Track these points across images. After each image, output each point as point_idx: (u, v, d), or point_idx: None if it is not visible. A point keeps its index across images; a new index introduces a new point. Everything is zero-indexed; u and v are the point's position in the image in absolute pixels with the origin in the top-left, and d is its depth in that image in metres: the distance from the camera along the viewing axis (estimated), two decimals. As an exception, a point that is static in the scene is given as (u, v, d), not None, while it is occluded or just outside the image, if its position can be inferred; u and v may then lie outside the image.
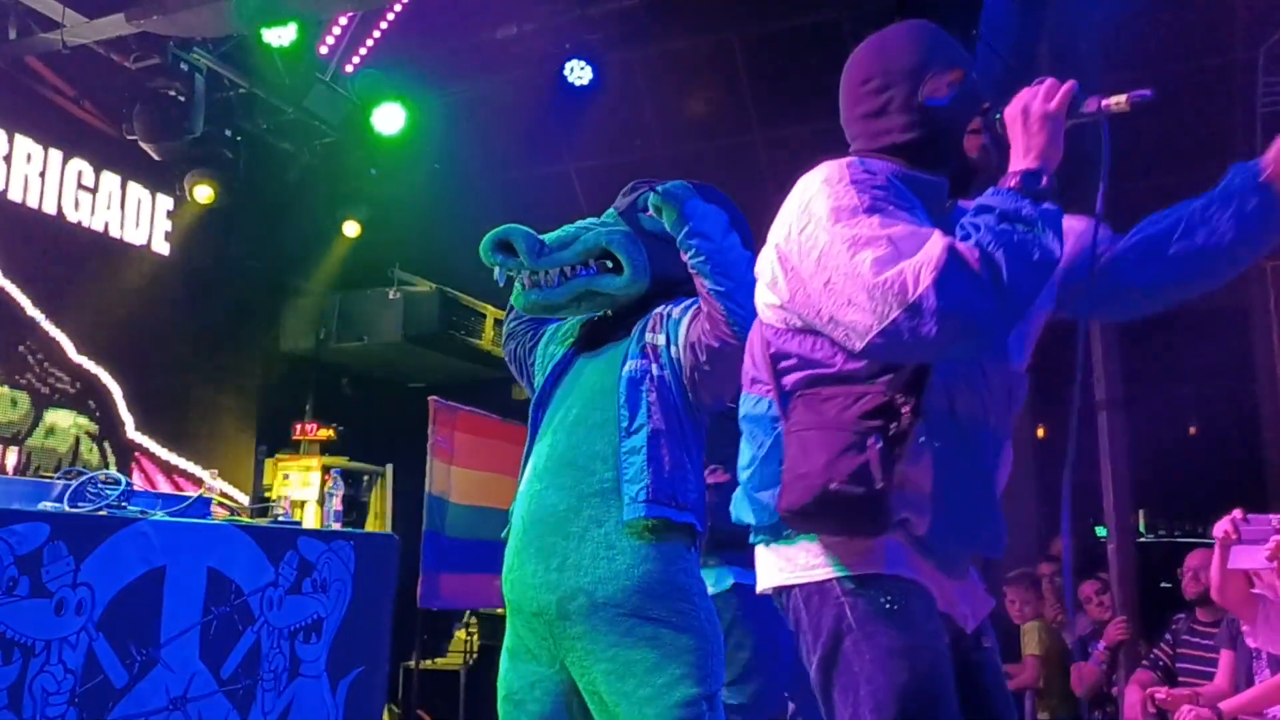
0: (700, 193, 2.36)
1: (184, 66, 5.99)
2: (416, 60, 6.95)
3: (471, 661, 6.52)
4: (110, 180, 6.38)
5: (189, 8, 5.26)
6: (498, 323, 7.30)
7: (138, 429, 6.42)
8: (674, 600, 2.20)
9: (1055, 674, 5.20)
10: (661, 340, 2.36)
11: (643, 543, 2.21)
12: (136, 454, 6.40)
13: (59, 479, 2.92)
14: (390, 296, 7.23)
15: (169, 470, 6.56)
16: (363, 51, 6.83)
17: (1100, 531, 5.73)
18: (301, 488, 6.79)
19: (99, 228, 6.29)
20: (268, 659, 3.10)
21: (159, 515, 2.93)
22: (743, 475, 1.82)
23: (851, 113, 1.86)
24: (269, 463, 7.04)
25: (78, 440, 6.09)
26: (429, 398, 5.90)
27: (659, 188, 2.35)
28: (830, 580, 1.69)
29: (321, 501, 6.54)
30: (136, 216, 6.53)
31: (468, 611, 6.72)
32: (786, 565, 1.74)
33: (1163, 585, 5.96)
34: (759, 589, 1.83)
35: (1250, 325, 6.50)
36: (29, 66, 5.96)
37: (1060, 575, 5.35)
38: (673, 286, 2.42)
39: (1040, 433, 6.86)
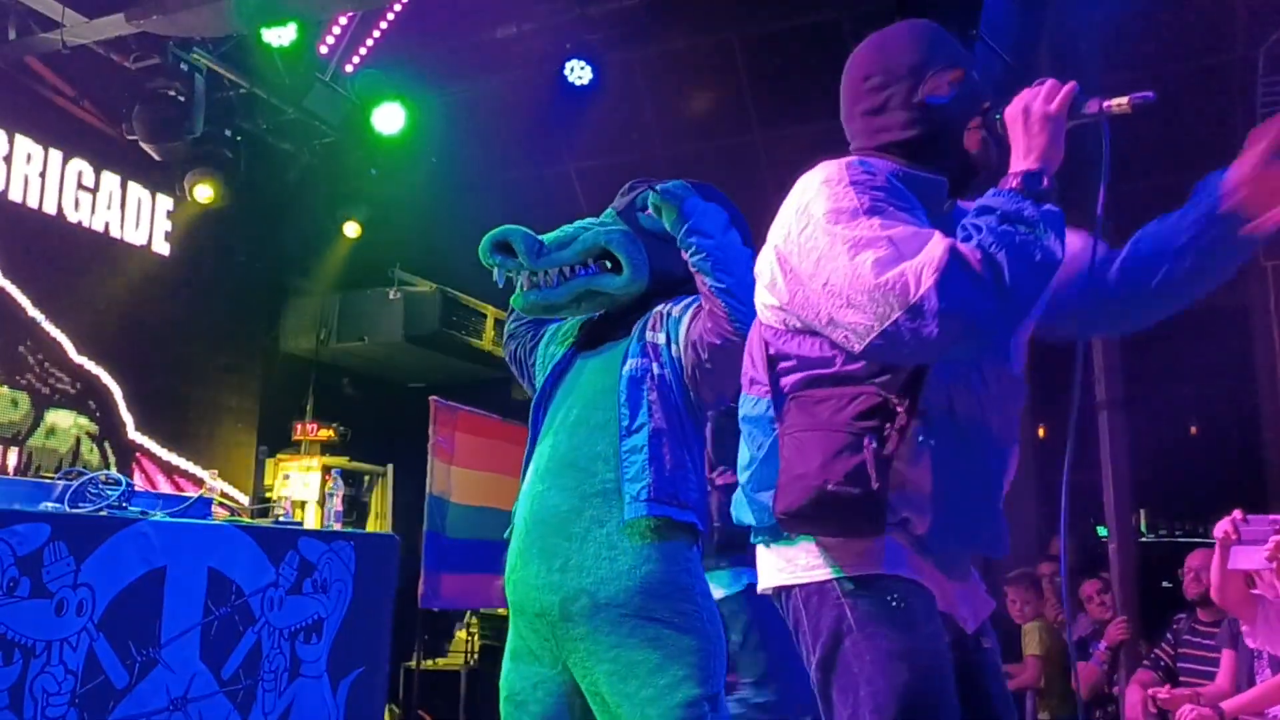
0: (699, 191, 2.37)
1: (184, 66, 5.99)
2: (416, 60, 6.95)
3: (472, 662, 6.53)
4: (110, 180, 6.37)
5: (189, 8, 5.26)
6: (498, 323, 7.30)
7: (138, 429, 6.42)
8: (676, 600, 2.20)
9: (1056, 674, 5.20)
10: (662, 339, 2.36)
11: (645, 543, 2.21)
12: (137, 454, 6.40)
13: (60, 479, 2.92)
14: (390, 296, 7.23)
15: (170, 471, 6.56)
16: (363, 51, 6.83)
17: (1101, 531, 5.73)
18: (302, 488, 6.79)
19: (99, 228, 6.29)
20: (268, 659, 3.10)
21: (159, 516, 2.93)
22: (742, 476, 1.82)
23: (852, 109, 1.86)
24: (269, 463, 7.04)
25: (78, 441, 6.09)
26: (429, 398, 5.91)
27: (658, 187, 2.35)
28: (830, 581, 1.68)
29: (322, 502, 6.54)
30: (137, 217, 6.53)
31: (469, 612, 6.73)
32: (787, 566, 1.74)
33: (1164, 585, 5.96)
34: (759, 589, 1.83)
35: (1250, 325, 6.50)
36: (29, 67, 5.96)
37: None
38: (672, 285, 2.43)
39: (1040, 433, 6.86)
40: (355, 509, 7.02)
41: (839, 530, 1.66)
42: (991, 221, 1.57)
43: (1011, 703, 1.86)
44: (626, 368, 2.34)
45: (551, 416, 2.43)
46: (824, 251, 1.61)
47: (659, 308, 2.41)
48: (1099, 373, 5.05)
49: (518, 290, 2.47)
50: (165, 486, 6.38)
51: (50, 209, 6.03)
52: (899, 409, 1.62)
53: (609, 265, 2.44)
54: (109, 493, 2.88)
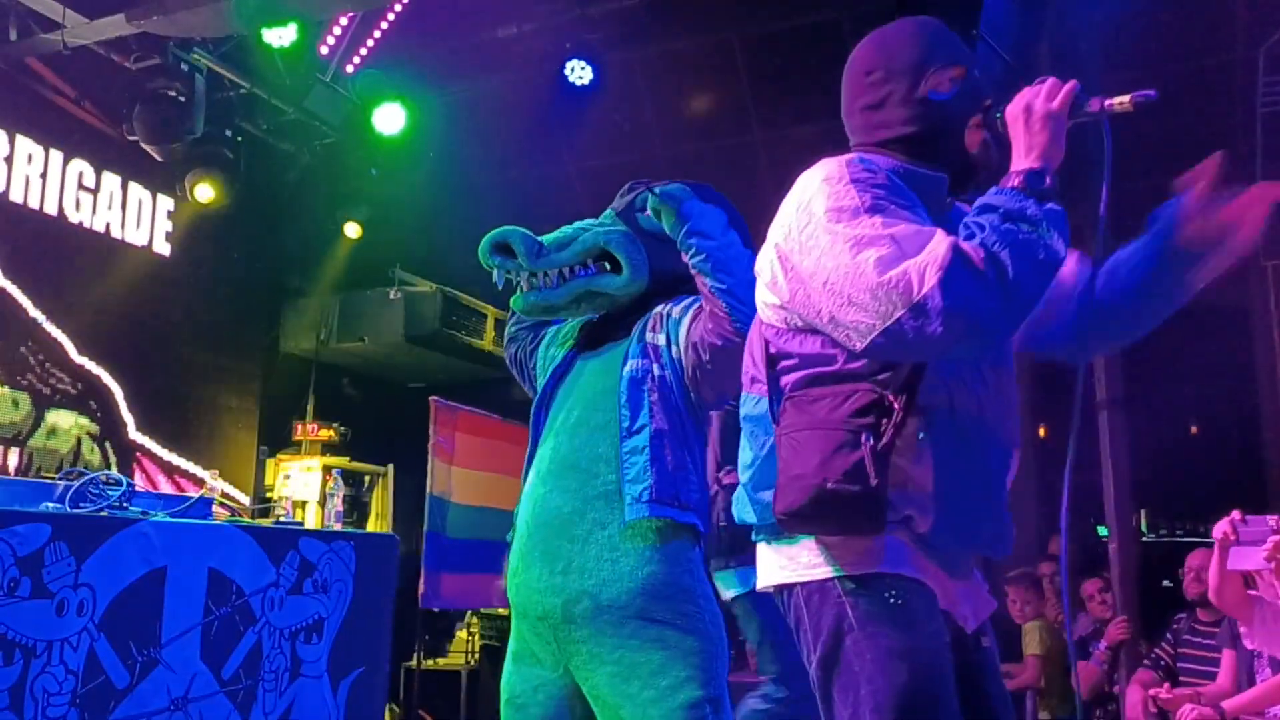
0: (697, 192, 2.37)
1: (184, 67, 5.99)
2: (416, 60, 6.95)
3: (473, 662, 6.53)
4: (111, 181, 6.37)
5: (189, 8, 5.26)
6: (498, 323, 7.31)
7: (139, 429, 6.42)
8: (679, 602, 2.20)
9: (1056, 673, 5.20)
10: (662, 340, 2.35)
11: (646, 545, 2.21)
12: (138, 454, 6.40)
13: (60, 480, 2.92)
14: (391, 297, 7.23)
15: (170, 471, 6.56)
16: (363, 52, 6.83)
17: (1102, 531, 5.73)
18: (303, 488, 6.79)
19: (100, 228, 6.29)
20: (269, 659, 3.10)
21: (160, 516, 2.93)
22: (744, 475, 1.82)
23: (852, 105, 1.86)
24: (270, 463, 7.04)
25: (79, 441, 6.09)
26: (430, 398, 5.91)
27: (656, 189, 2.35)
28: (831, 580, 1.68)
29: (323, 502, 6.54)
30: (137, 217, 6.53)
31: (469, 612, 6.73)
32: (788, 564, 1.74)
33: (1164, 585, 5.97)
34: (759, 586, 1.83)
35: (1250, 325, 6.51)
36: (29, 67, 5.96)
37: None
38: (672, 285, 2.42)
39: (1041, 432, 6.86)
40: (355, 509, 7.02)
41: (839, 529, 1.66)
42: (994, 220, 1.57)
43: (1009, 703, 1.86)
44: (627, 369, 2.34)
45: (552, 418, 2.43)
46: (825, 250, 1.60)
47: (659, 309, 2.41)
48: (1099, 373, 5.06)
49: (517, 291, 2.47)
50: (166, 487, 6.38)
51: (51, 209, 6.03)
52: (895, 405, 1.62)
53: (608, 266, 2.43)
54: (110, 493, 2.88)
